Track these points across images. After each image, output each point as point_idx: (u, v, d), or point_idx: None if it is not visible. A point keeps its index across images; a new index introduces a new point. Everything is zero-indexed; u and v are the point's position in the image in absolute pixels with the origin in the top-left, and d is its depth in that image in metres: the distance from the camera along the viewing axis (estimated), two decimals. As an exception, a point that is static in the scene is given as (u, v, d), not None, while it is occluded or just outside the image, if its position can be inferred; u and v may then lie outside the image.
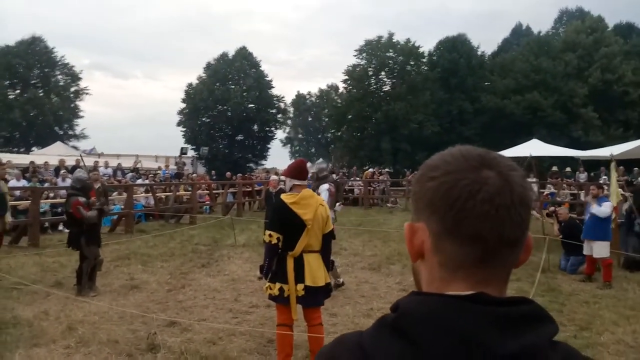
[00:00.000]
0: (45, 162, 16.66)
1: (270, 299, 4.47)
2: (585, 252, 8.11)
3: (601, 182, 14.39)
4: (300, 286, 4.18)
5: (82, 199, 6.97)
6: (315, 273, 4.25)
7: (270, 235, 4.23)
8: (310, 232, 4.22)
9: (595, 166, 21.71)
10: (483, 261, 0.70)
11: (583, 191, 14.91)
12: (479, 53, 38.25)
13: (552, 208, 10.06)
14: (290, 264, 4.21)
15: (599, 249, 7.82)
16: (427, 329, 0.65)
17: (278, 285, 4.23)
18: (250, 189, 20.03)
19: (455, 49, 36.38)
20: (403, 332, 0.66)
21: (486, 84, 36.34)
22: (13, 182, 13.19)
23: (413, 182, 0.78)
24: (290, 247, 4.22)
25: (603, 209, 7.86)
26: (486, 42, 64.02)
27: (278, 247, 4.24)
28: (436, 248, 0.72)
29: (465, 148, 0.75)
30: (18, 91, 38.57)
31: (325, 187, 7.71)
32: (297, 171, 4.46)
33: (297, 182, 4.42)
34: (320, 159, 11.35)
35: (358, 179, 23.68)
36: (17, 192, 12.46)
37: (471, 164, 0.71)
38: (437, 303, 0.67)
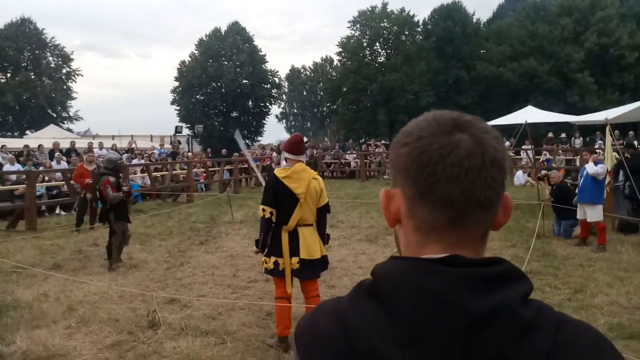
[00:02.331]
0: (40, 145, 16.53)
1: (266, 273, 4.52)
2: (579, 216, 8.16)
3: (596, 146, 14.38)
4: (295, 259, 4.21)
5: (112, 179, 7.24)
6: (311, 246, 4.28)
7: (263, 210, 4.25)
8: (304, 205, 4.23)
9: (591, 131, 21.66)
10: (455, 223, 0.70)
11: (578, 157, 14.92)
12: (474, 20, 37.75)
13: (543, 172, 10.06)
14: (284, 238, 4.24)
15: (592, 213, 7.87)
16: (401, 291, 0.66)
17: (273, 259, 4.27)
18: (246, 166, 19.99)
19: (450, 16, 35.86)
20: (378, 295, 0.67)
21: (482, 51, 35.94)
22: (7, 167, 13.15)
23: (390, 149, 0.77)
24: (284, 221, 4.24)
25: (597, 168, 7.86)
26: (481, 8, 63.08)
27: (272, 221, 4.26)
28: (411, 212, 0.73)
29: (440, 113, 0.74)
30: (9, 74, 38.06)
31: None
32: (291, 145, 4.43)
33: (289, 156, 4.40)
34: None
35: (354, 152, 23.69)
36: (13, 177, 12.42)
37: (443, 128, 0.71)
38: (411, 266, 0.68)
